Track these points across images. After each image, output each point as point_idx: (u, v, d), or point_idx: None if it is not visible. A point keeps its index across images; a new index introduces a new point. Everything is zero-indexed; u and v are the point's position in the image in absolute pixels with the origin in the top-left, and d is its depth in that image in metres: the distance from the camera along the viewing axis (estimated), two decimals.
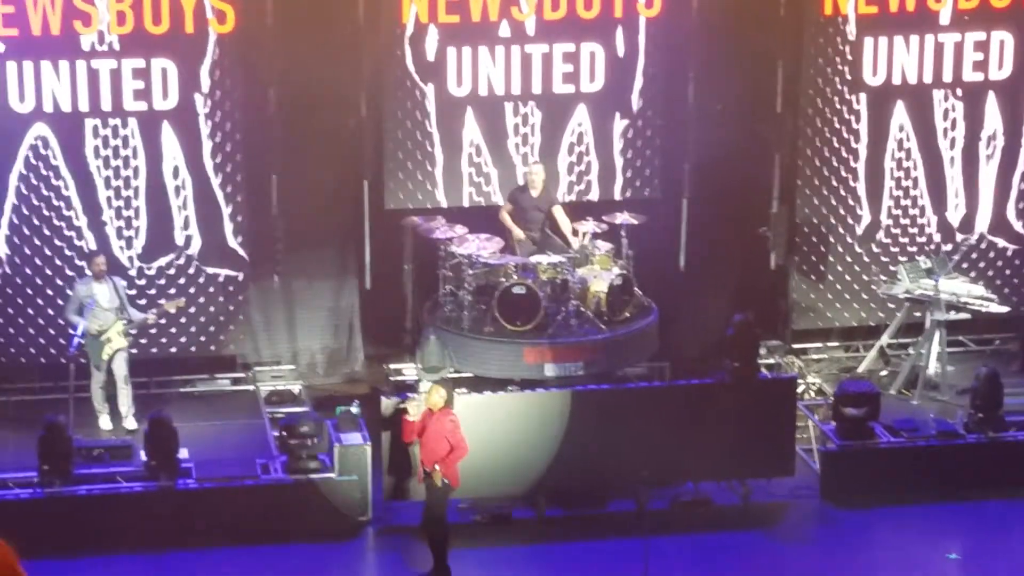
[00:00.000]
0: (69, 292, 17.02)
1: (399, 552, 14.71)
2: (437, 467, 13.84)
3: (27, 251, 17.08)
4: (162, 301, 16.65)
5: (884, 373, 18.19)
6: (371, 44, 17.55)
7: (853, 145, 18.53)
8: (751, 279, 18.33)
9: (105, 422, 16.26)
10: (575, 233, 17.22)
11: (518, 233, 17.33)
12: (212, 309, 17.40)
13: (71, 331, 16.40)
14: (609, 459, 15.16)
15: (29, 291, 17.13)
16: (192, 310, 17.18)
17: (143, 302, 17.09)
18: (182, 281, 17.29)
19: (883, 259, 18.78)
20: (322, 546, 14.57)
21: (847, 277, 18.82)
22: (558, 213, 17.37)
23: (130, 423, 16.19)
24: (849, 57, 18.29)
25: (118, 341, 16.05)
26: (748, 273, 18.35)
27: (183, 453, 15.24)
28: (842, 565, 14.50)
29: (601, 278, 16.81)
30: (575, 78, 17.94)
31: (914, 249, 18.80)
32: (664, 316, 17.30)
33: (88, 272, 16.42)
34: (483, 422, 15.03)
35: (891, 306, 18.70)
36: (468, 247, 16.85)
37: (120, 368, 16.19)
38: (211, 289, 17.46)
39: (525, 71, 17.82)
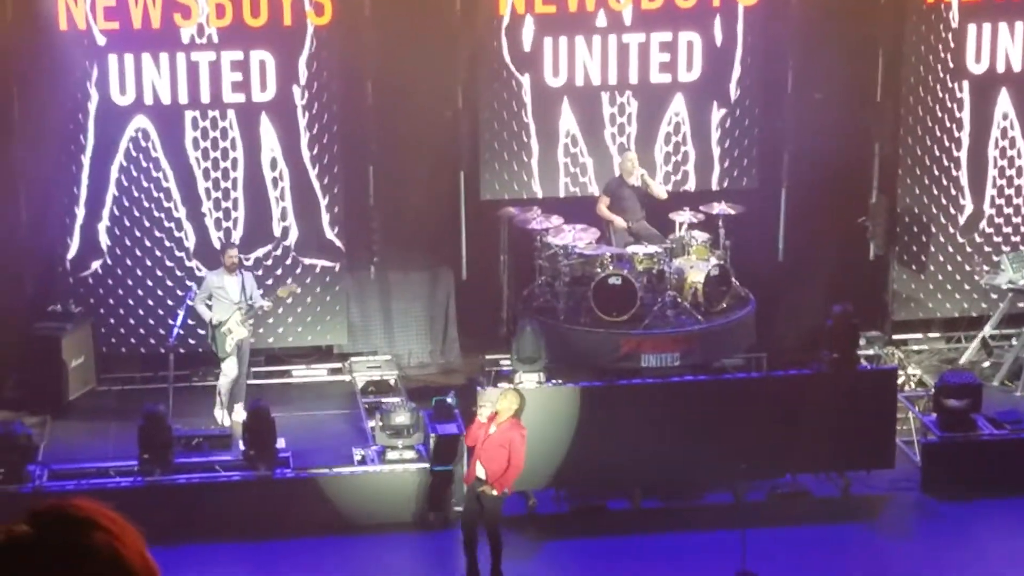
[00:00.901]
0: (169, 283, 17.24)
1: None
2: (489, 485, 13.27)
3: (128, 242, 17.28)
4: (279, 289, 16.74)
5: (986, 364, 17.95)
6: (468, 35, 17.57)
7: (956, 134, 18.28)
8: (850, 269, 18.16)
9: (222, 415, 16.31)
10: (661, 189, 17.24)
11: (620, 222, 17.27)
12: (309, 300, 17.52)
13: (171, 321, 16.58)
14: (706, 451, 15.07)
15: (130, 282, 17.34)
16: (289, 301, 17.27)
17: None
18: (279, 272, 17.41)
19: (986, 249, 18.52)
20: (416, 535, 14.61)
21: (949, 267, 18.58)
22: (647, 180, 17.28)
23: (239, 414, 16.30)
24: (952, 44, 18.04)
25: (239, 331, 16.13)
26: (847, 263, 18.18)
27: (281, 443, 15.37)
28: (943, 559, 14.34)
29: (698, 268, 16.73)
30: (672, 67, 17.85)
31: (1017, 239, 18.51)
32: (762, 307, 17.20)
33: (222, 265, 16.42)
34: (579, 412, 15.01)
35: (994, 296, 18.44)
36: (564, 237, 16.83)
37: (244, 358, 16.28)
38: (308, 280, 17.57)
39: (622, 61, 17.76)
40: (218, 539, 14.53)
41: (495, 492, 13.26)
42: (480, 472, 13.26)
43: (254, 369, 17.14)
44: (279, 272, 17.44)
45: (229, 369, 16.20)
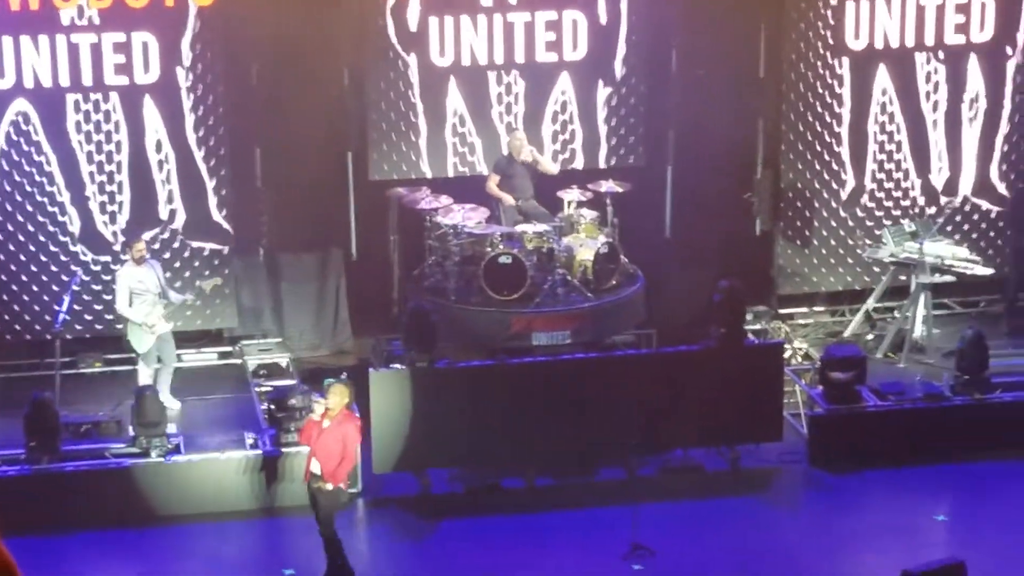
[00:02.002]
0: (54, 268, 16.95)
1: (389, 523, 14.69)
2: (324, 481, 13.02)
3: (10, 227, 16.96)
4: (199, 282, 16.51)
5: (870, 337, 18.17)
6: (353, 15, 17.42)
7: (836, 110, 18.46)
8: (737, 245, 18.28)
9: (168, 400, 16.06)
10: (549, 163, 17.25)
11: (508, 200, 17.27)
12: (198, 283, 17.28)
13: (56, 307, 16.31)
14: (598, 427, 15.11)
15: (13, 267, 17.01)
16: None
17: None
18: (167, 256, 17.17)
19: (868, 223, 18.73)
20: (312, 518, 14.47)
21: (832, 242, 18.77)
22: (536, 156, 17.28)
23: (171, 402, 16.04)
24: (831, 21, 18.21)
25: (162, 326, 15.87)
26: (734, 239, 18.29)
27: (172, 428, 15.20)
28: (830, 528, 14.48)
29: (587, 246, 16.77)
30: (558, 46, 17.84)
31: (898, 213, 18.75)
32: (651, 283, 17.28)
33: (126, 258, 16.13)
34: (471, 392, 14.98)
35: (876, 270, 18.67)
36: (453, 217, 16.81)
37: (169, 351, 16.01)
38: (196, 263, 17.35)
39: (508, 40, 17.72)
40: (107, 526, 14.33)
41: (329, 487, 13.04)
42: (314, 467, 13.06)
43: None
44: (167, 256, 17.18)
45: (146, 360, 15.92)
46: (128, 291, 15.82)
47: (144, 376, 15.93)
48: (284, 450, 14.74)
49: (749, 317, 17.21)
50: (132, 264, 15.91)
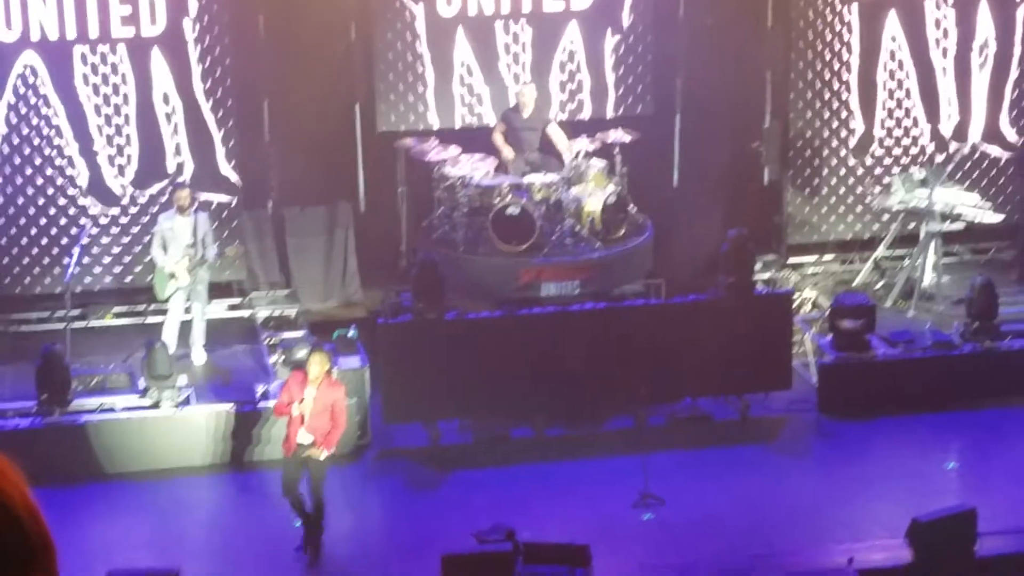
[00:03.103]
0: (63, 221, 16.96)
1: (398, 473, 14.76)
2: (317, 448, 12.97)
3: (19, 180, 16.95)
4: (227, 249, 16.62)
5: (880, 285, 18.15)
6: None
7: (845, 57, 18.38)
8: (745, 194, 18.24)
9: (195, 355, 16.11)
10: (571, 151, 17.14)
11: (507, 154, 17.25)
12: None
13: (66, 260, 16.34)
14: (607, 377, 15.14)
15: (23, 220, 17.02)
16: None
17: (136, 230, 17.02)
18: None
19: (877, 171, 18.69)
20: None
21: (841, 190, 18.73)
22: (553, 131, 17.27)
23: (199, 356, 16.10)
24: None
25: (182, 277, 15.89)
26: (742, 188, 18.25)
27: (182, 379, 15.25)
28: (840, 476, 14.52)
29: (595, 196, 16.74)
30: None
31: (908, 160, 18.70)
32: (659, 233, 17.26)
33: (173, 206, 16.14)
34: (480, 342, 15.00)
35: (886, 218, 18.63)
36: (461, 168, 16.78)
37: (195, 299, 16.04)
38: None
39: None
40: (118, 478, 14.44)
41: (325, 454, 13.01)
42: (304, 439, 13.02)
43: (152, 306, 16.87)
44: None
45: (172, 310, 15.96)
46: (161, 236, 15.90)
47: (169, 328, 15.97)
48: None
49: (758, 266, 17.20)
50: (173, 211, 15.97)
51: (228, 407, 14.85)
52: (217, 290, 17.44)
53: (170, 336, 15.95)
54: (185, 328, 16.18)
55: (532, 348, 15.07)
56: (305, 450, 12.99)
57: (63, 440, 14.37)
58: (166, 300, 16.03)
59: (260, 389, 15.21)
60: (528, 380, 15.03)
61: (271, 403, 14.55)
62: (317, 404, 12.95)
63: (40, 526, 2.30)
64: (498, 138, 17.31)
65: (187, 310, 16.19)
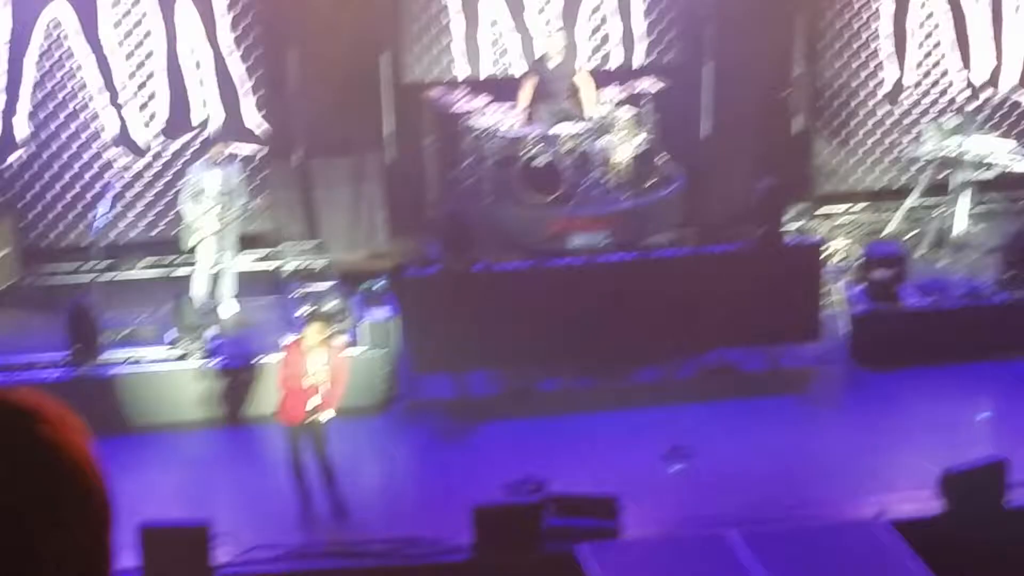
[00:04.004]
0: (90, 174, 16.99)
1: (427, 425, 14.80)
2: (322, 408, 12.91)
3: (45, 134, 16.95)
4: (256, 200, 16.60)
5: (911, 235, 18.05)
6: None
7: (875, 5, 18.20)
8: (775, 143, 18.12)
9: (223, 308, 16.16)
10: (598, 101, 17.06)
11: (523, 100, 17.07)
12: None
13: (93, 212, 16.36)
14: (636, 329, 15.12)
15: (49, 174, 17.03)
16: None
17: (163, 182, 17.02)
18: (204, 159, 17.11)
19: (908, 119, 18.55)
20: (352, 421, 14.56)
21: (872, 139, 18.60)
22: (582, 81, 17.18)
23: (230, 307, 16.13)
24: None
25: (212, 228, 15.90)
26: (772, 137, 18.13)
27: (211, 331, 15.28)
28: (872, 428, 14.48)
29: (625, 146, 16.69)
30: None
31: (940, 108, 18.55)
32: (689, 183, 17.18)
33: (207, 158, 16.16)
34: (508, 294, 15.00)
35: (916, 167, 18.50)
36: (488, 119, 16.72)
37: (223, 250, 16.07)
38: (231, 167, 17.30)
39: None
40: (148, 430, 14.52)
41: (331, 413, 12.97)
42: (310, 404, 12.94)
43: (180, 257, 16.86)
44: (203, 158, 17.12)
45: (200, 262, 15.97)
46: (192, 187, 15.91)
47: (198, 280, 16.01)
48: None
49: (788, 216, 17.12)
50: (204, 163, 15.97)
51: (256, 360, 14.86)
52: (244, 242, 17.45)
53: (199, 287, 15.98)
54: (215, 280, 16.19)
55: (560, 299, 15.04)
56: (311, 415, 12.97)
57: (92, 391, 14.39)
58: (193, 250, 16.04)
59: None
60: (556, 331, 15.00)
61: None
62: (328, 368, 12.90)
63: (103, 483, 2.34)
64: (524, 88, 17.17)
65: (217, 262, 16.20)
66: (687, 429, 14.06)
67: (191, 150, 17.09)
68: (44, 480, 2.23)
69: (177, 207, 16.28)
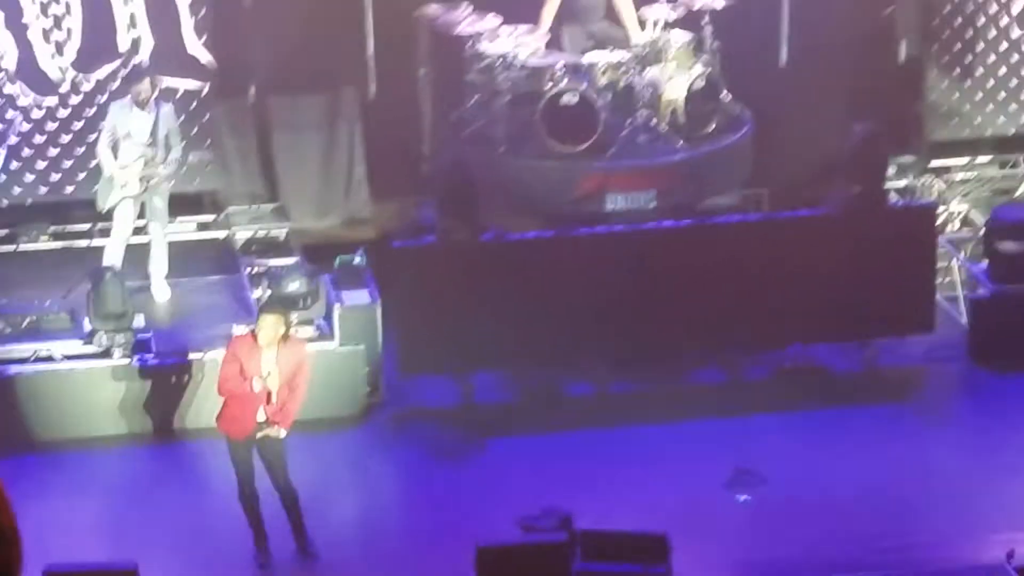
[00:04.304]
0: None
1: (419, 441, 14.85)
2: (274, 426, 12.93)
3: None
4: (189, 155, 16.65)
5: None
6: None
7: None
8: (875, 77, 18.14)
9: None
10: (643, 24, 17.09)
11: (545, 20, 17.10)
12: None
13: None
14: (692, 317, 15.15)
15: None
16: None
17: (79, 126, 17.08)
18: (128, 96, 17.18)
19: None
20: (322, 435, 14.64)
21: (1002, 70, 18.60)
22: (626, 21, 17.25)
23: (160, 291, 16.26)
24: None
25: (132, 185, 15.94)
26: (871, 69, 18.15)
27: (139, 320, 15.36)
28: (997, 445, 14.55)
29: (678, 80, 16.73)
30: None
31: None
32: (761, 128, 17.21)
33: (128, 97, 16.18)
34: (527, 271, 15.04)
35: None
36: (503, 44, 16.79)
37: (152, 218, 16.15)
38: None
39: None
40: (57, 447, 14.58)
41: (283, 432, 12.99)
42: (260, 415, 12.93)
43: (100, 225, 16.95)
44: (128, 96, 17.18)
45: (117, 227, 16.04)
46: (110, 132, 15.96)
47: (112, 249, 16.05)
48: None
49: (891, 171, 17.14)
50: (127, 102, 16.01)
51: (200, 355, 14.92)
52: (183, 205, 17.50)
53: (114, 260, 16.03)
54: (141, 255, 16.23)
55: (594, 279, 15.08)
56: (261, 430, 13.00)
57: None
58: (109, 212, 16.08)
59: (239, 332, 15.29)
60: (588, 320, 15.04)
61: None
62: (283, 373, 12.92)
63: (10, 516, 2.37)
64: (548, 7, 17.21)
65: (143, 231, 16.24)
66: (757, 447, 14.12)
67: (113, 85, 17.14)
68: None
69: (94, 159, 16.28)
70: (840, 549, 13.03)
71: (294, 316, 14.37)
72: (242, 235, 17.32)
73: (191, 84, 17.39)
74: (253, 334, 13.04)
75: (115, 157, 15.99)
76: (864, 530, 13.30)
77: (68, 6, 17.13)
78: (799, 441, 14.58)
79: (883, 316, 15.51)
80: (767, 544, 13.21)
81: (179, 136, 16.25)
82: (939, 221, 16.62)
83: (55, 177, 17.14)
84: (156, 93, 16.19)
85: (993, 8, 18.47)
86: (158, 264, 16.30)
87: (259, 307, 13.88)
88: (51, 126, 17.17)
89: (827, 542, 13.14)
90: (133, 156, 15.92)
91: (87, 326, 15.25)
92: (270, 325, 12.89)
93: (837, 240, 15.39)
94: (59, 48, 17.18)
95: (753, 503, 13.78)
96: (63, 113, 17.05)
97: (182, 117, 16.84)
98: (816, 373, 15.66)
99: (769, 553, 13.07)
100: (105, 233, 16.71)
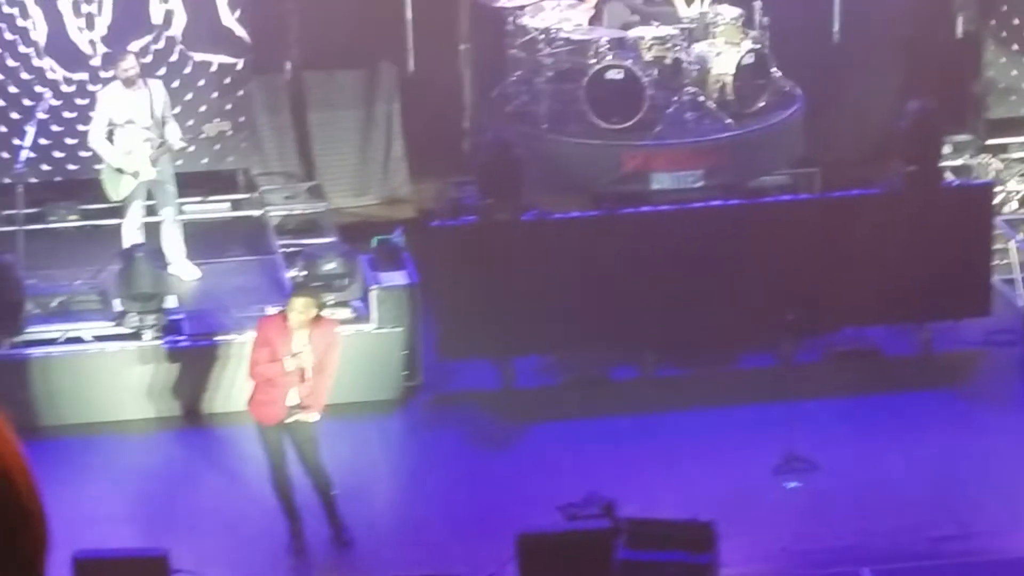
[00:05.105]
0: (13, 89, 17.09)
1: (458, 426, 14.83)
2: (306, 411, 12.95)
3: None
4: (205, 126, 16.49)
5: None
6: None
7: None
8: (931, 51, 18.08)
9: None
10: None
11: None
12: (203, 109, 17.34)
13: (17, 141, 16.44)
14: (740, 298, 15.09)
15: None
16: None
17: None
18: (162, 72, 17.22)
19: None
20: (359, 420, 14.64)
21: None
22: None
23: (185, 270, 16.24)
24: None
25: (145, 170, 15.88)
26: (926, 43, 18.08)
27: (171, 301, 15.36)
28: None
29: (726, 56, 16.73)
30: None
31: None
32: (813, 105, 17.16)
33: (108, 75, 16.15)
34: (570, 252, 15.01)
35: None
36: (546, 18, 16.84)
37: (164, 201, 16.09)
38: (201, 82, 17.39)
39: None
40: (87, 431, 14.59)
41: (316, 416, 12.98)
42: (291, 399, 12.93)
43: None
44: (161, 73, 17.22)
45: (131, 214, 16.00)
46: (106, 120, 15.86)
47: (129, 235, 16.04)
48: None
49: (947, 150, 17.08)
50: (117, 85, 15.95)
51: (229, 338, 14.91)
52: (217, 183, 17.53)
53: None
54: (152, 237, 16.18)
55: (639, 260, 15.04)
56: (292, 414, 12.96)
57: (14, 379, 14.48)
58: (122, 201, 16.01)
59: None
60: (633, 303, 14.99)
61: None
62: (314, 355, 12.86)
63: (34, 488, 2.38)
64: None
65: (156, 215, 16.17)
66: (807, 433, 14.03)
67: (148, 59, 17.13)
68: None
69: (102, 153, 16.04)
70: (892, 538, 12.99)
71: (327, 298, 14.34)
72: (277, 214, 17.32)
73: (225, 59, 17.43)
74: (283, 315, 13.00)
75: (113, 145, 15.86)
76: (917, 519, 13.25)
77: None
78: (851, 427, 14.56)
79: (938, 298, 15.45)
80: (817, 533, 13.17)
81: (171, 109, 16.12)
82: (996, 201, 16.55)
83: (85, 154, 17.14)
84: (138, 72, 16.00)
85: None
86: (175, 245, 16.21)
87: (293, 286, 13.80)
88: (81, 101, 17.18)
89: (879, 531, 13.09)
90: (138, 140, 15.80)
91: (117, 307, 15.25)
92: (301, 308, 12.86)
93: (891, 220, 15.35)
94: (90, 22, 17.23)
95: (803, 490, 13.72)
96: (94, 88, 17.03)
97: (215, 93, 16.83)
98: (869, 357, 15.61)
99: (819, 542, 13.03)
100: None
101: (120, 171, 15.85)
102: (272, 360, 12.84)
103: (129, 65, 15.92)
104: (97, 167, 16.42)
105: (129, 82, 15.85)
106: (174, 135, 15.91)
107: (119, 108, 15.85)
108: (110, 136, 15.90)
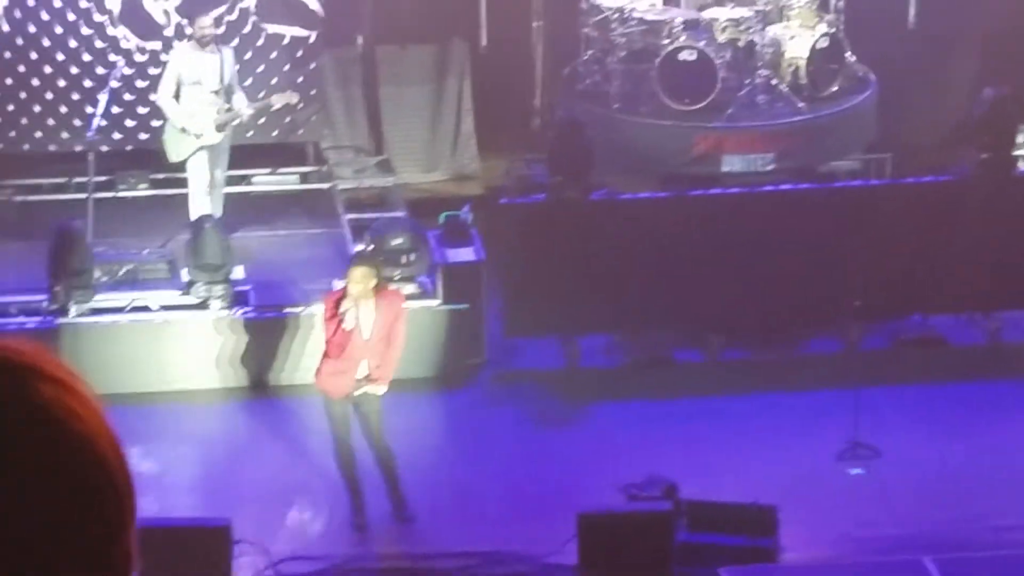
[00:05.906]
0: (86, 57, 17.15)
1: (522, 404, 14.88)
2: (374, 383, 12.96)
3: (31, 2, 17.16)
4: (272, 96, 16.46)
5: None
6: None
7: None
8: (1008, 36, 17.99)
9: None
10: None
11: None
12: (275, 82, 17.42)
13: (90, 109, 16.54)
14: (808, 283, 15.12)
15: (34, 56, 17.23)
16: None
17: None
18: (235, 43, 17.29)
19: None
20: (422, 396, 14.76)
21: None
22: None
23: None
24: None
25: (209, 135, 15.99)
26: (1004, 28, 18.00)
27: (238, 272, 15.47)
28: None
29: (801, 39, 16.71)
30: None
31: None
32: (886, 90, 17.12)
33: (186, 38, 16.29)
34: (638, 232, 15.05)
35: None
36: None
37: (218, 164, 16.18)
38: (273, 55, 17.46)
39: None
40: (154, 399, 14.71)
41: (382, 388, 13.02)
42: (360, 371, 12.92)
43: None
44: (234, 44, 17.30)
45: (194, 179, 16.08)
46: (176, 79, 15.95)
47: (197, 201, 16.07)
48: None
49: (1021, 138, 17.00)
50: (190, 45, 16.03)
51: (296, 310, 15.05)
52: (286, 155, 17.60)
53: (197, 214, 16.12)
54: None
55: (707, 242, 15.09)
56: (360, 387, 13.06)
57: (81, 346, 14.62)
58: (183, 163, 16.10)
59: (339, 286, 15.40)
60: (700, 284, 15.04)
61: None
62: (381, 326, 12.87)
63: (122, 458, 2.28)
64: None
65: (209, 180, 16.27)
66: (872, 419, 14.00)
67: (218, 31, 17.21)
68: (49, 460, 2.15)
69: (168, 111, 16.12)
70: (953, 527, 12.97)
71: (391, 270, 14.37)
72: (345, 188, 17.41)
73: (298, 32, 17.47)
74: (345, 289, 13.03)
75: (178, 103, 15.94)
76: (980, 508, 13.20)
77: None
78: (915, 414, 14.52)
79: (1008, 287, 15.43)
80: (878, 520, 13.14)
81: (236, 80, 16.19)
82: None
83: (156, 123, 17.25)
84: (213, 36, 16.08)
85: None
86: (214, 210, 16.18)
87: (354, 258, 13.80)
88: (154, 71, 17.27)
89: (941, 519, 13.08)
90: (205, 103, 15.87)
91: (185, 276, 15.38)
92: (360, 278, 12.77)
93: (962, 208, 15.33)
94: None
95: (865, 477, 13.73)
96: (166, 58, 17.14)
97: (287, 65, 16.92)
98: (936, 345, 15.59)
99: (880, 529, 13.00)
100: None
101: (184, 131, 15.92)
102: (344, 333, 12.96)
103: (206, 24, 16.00)
104: (157, 124, 16.44)
105: (203, 42, 15.90)
106: (241, 103, 16.01)
107: (189, 68, 15.92)
108: (177, 96, 15.97)
